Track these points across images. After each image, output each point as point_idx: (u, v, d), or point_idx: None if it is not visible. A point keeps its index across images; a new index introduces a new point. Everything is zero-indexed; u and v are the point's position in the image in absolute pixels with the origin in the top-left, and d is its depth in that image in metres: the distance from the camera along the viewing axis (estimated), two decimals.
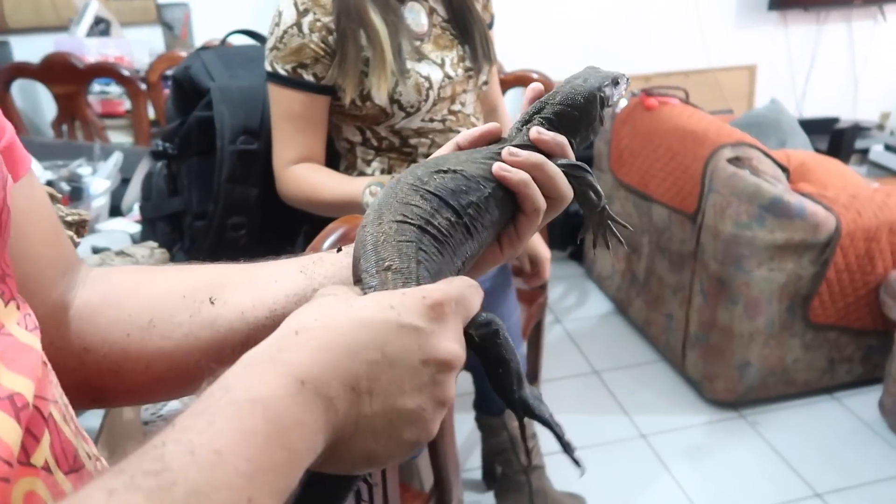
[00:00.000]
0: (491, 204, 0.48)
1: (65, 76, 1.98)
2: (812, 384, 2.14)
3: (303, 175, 1.11)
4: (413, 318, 0.38)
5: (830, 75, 3.48)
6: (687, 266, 2.19)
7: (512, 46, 2.45)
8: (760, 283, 1.97)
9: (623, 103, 2.53)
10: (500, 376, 0.45)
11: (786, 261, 1.96)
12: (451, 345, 0.39)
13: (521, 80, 1.90)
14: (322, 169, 1.13)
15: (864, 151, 3.00)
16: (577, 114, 0.52)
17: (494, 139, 0.53)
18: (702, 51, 3.27)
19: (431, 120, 1.18)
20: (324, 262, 0.51)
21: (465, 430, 1.99)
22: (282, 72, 1.10)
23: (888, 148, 2.87)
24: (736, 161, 2.04)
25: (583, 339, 2.53)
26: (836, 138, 2.96)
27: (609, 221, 0.53)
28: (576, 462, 0.45)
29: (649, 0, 3.17)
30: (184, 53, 1.95)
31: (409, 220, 0.45)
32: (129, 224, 1.53)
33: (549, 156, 0.51)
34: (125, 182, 1.63)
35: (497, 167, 0.49)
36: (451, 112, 1.19)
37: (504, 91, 1.77)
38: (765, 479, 1.89)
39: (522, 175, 0.49)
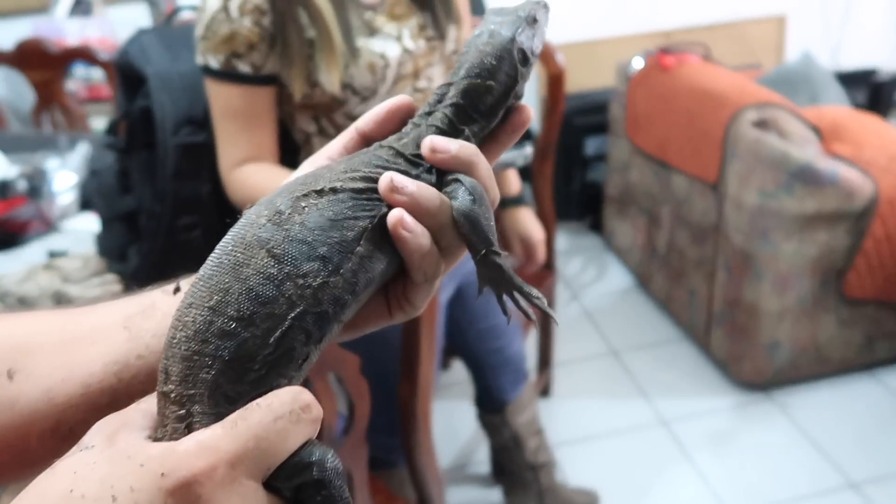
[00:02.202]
0: (367, 255, 0.34)
1: (39, 62, 1.88)
2: (848, 362, 1.98)
3: (249, 178, 0.98)
4: None
5: (868, 21, 3.21)
6: (709, 239, 2.03)
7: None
8: (789, 256, 1.81)
9: (639, 64, 2.35)
10: None
11: (817, 232, 1.79)
12: None
13: None
14: (269, 168, 1.00)
15: None
16: (491, 83, 0.37)
17: (407, 116, 0.39)
18: (726, 1, 3.04)
19: None
20: (155, 313, 0.38)
21: (474, 421, 1.89)
22: (214, 64, 0.96)
23: None
24: (761, 124, 1.86)
25: (601, 316, 2.39)
26: (875, 91, 2.74)
27: (514, 290, 0.37)
28: None
29: None
30: None
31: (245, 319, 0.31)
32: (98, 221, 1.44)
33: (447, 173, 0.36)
34: (95, 175, 1.54)
35: (393, 221, 0.34)
36: (416, 90, 1.04)
37: None
38: (796, 467, 1.75)
39: (420, 241, 0.35)
